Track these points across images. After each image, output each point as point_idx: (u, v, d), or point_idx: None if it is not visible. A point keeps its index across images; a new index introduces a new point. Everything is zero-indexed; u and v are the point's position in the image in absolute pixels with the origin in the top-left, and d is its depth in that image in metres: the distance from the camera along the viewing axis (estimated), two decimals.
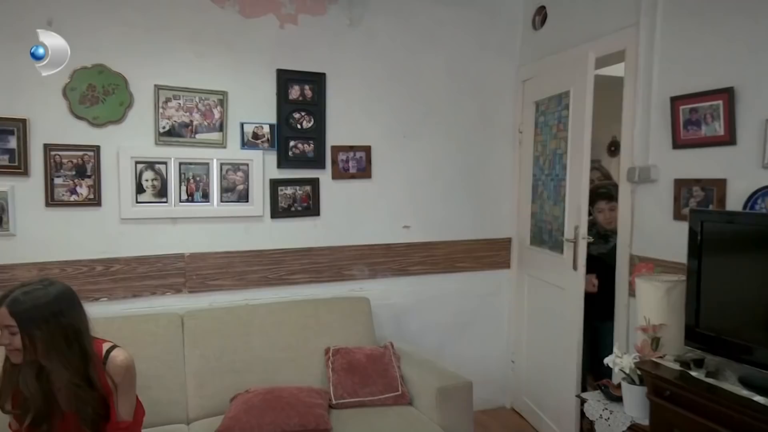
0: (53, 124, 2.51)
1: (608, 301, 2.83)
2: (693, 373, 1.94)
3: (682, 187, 2.42)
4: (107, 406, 1.74)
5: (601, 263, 2.97)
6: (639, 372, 2.17)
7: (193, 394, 2.51)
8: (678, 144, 2.44)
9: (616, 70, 2.97)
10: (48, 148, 2.50)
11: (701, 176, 2.34)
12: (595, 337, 3.07)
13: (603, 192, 3.15)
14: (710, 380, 1.88)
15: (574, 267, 2.82)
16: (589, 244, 2.84)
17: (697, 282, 2.05)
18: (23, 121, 2.44)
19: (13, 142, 2.43)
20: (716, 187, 2.28)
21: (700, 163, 2.35)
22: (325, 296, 3.02)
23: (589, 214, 3.01)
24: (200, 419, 2.46)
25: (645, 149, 2.61)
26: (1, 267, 2.45)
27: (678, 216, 2.43)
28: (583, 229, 2.82)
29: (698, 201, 2.36)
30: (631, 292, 2.63)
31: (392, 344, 2.79)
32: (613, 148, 5.63)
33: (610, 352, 2.51)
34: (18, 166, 2.45)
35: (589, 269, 2.86)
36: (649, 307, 2.27)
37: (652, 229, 2.60)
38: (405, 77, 3.23)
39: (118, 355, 1.74)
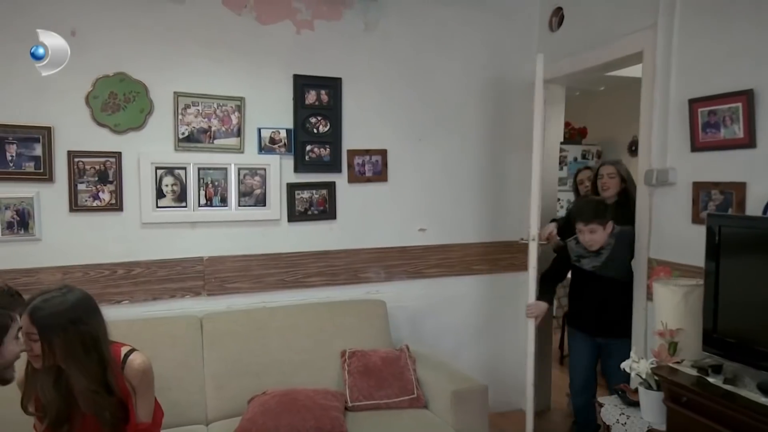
0: (76, 132, 2.58)
1: (612, 316, 2.74)
2: (710, 380, 1.92)
3: (701, 190, 2.39)
4: (126, 408, 1.78)
5: (597, 278, 2.76)
6: (656, 377, 2.15)
7: (212, 395, 2.56)
8: (696, 147, 2.42)
9: (635, 70, 2.94)
10: (72, 154, 2.57)
11: (720, 179, 2.31)
12: (600, 355, 2.89)
13: (581, 211, 2.73)
14: (728, 387, 1.86)
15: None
16: (580, 258, 2.76)
17: (715, 286, 2.02)
18: (48, 129, 2.51)
19: (38, 150, 2.50)
20: (735, 191, 2.25)
21: (719, 166, 2.32)
22: (341, 299, 3.05)
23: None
24: (219, 420, 2.50)
25: (663, 152, 2.58)
26: (27, 271, 2.52)
27: (696, 219, 2.40)
28: (534, 230, 2.93)
29: (717, 204, 2.33)
30: (649, 296, 2.60)
31: (408, 347, 2.81)
32: (634, 148, 5.57)
33: (615, 373, 2.51)
34: (43, 173, 2.52)
35: (586, 284, 2.79)
36: (667, 311, 2.25)
37: (670, 232, 2.57)
38: (420, 80, 3.24)
39: (135, 359, 1.78)
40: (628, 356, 2.57)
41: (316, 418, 2.29)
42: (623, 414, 2.31)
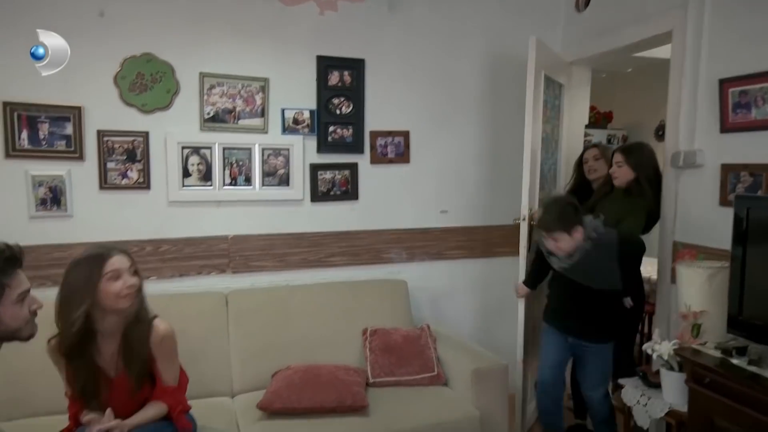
0: (105, 111, 2.63)
1: (586, 317, 2.49)
2: (734, 361, 1.90)
3: (729, 172, 2.35)
4: (152, 372, 1.90)
5: (569, 282, 2.46)
6: (678, 358, 2.14)
7: (237, 369, 2.62)
8: (726, 128, 2.37)
9: (664, 51, 2.88)
10: (101, 134, 2.63)
11: (750, 161, 2.27)
12: (575, 358, 2.70)
13: (542, 217, 2.46)
14: (753, 368, 1.84)
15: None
16: (550, 255, 2.46)
17: (741, 269, 2.00)
18: (78, 109, 2.57)
19: (69, 129, 2.56)
20: (766, 173, 2.21)
21: (749, 148, 2.28)
22: (363, 279, 3.08)
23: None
24: (243, 393, 2.57)
25: (691, 133, 2.54)
26: (59, 246, 2.60)
27: (724, 202, 2.37)
28: (524, 211, 2.87)
29: (746, 187, 2.29)
30: (673, 280, 2.58)
31: (429, 326, 2.84)
32: (661, 133, 5.47)
33: (587, 381, 2.54)
34: (74, 151, 2.58)
35: (560, 278, 2.52)
36: (690, 293, 2.23)
37: (696, 215, 2.53)
38: (444, 62, 3.23)
39: (159, 325, 1.89)
40: (605, 364, 2.55)
41: (338, 392, 2.33)
42: (644, 395, 2.30)
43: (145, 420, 1.85)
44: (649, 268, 3.93)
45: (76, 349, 1.80)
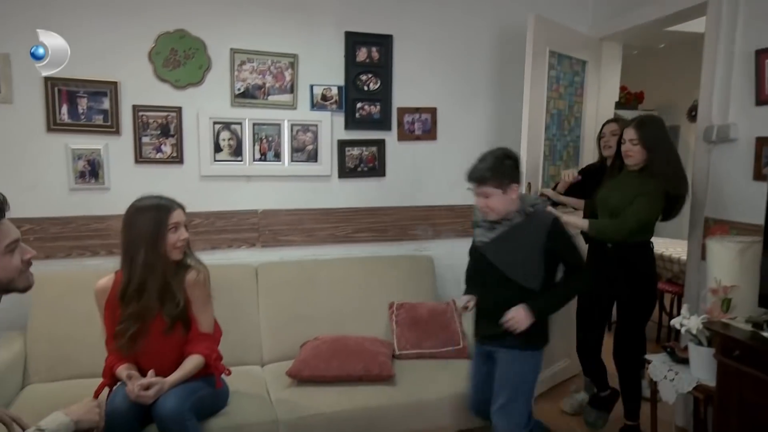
0: (140, 87, 2.70)
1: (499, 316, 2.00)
2: (765, 334, 1.88)
3: (765, 145, 2.31)
4: (188, 319, 2.02)
5: (488, 261, 2.07)
6: (707, 333, 2.13)
7: (267, 339, 2.70)
8: (762, 100, 2.32)
9: (698, 25, 2.81)
10: (136, 109, 2.70)
11: None
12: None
13: (473, 165, 2.06)
14: None
15: None
16: (477, 225, 2.16)
17: None
18: (115, 84, 2.65)
19: (106, 104, 2.64)
20: None
21: None
22: (389, 255, 3.11)
23: None
24: (273, 362, 2.64)
25: (725, 107, 2.49)
26: (98, 218, 2.69)
27: (758, 176, 2.33)
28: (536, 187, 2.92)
29: None
30: (703, 256, 2.54)
31: (454, 301, 2.86)
32: (694, 113, 5.34)
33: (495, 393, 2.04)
34: (111, 126, 2.66)
35: (478, 265, 2.17)
36: (721, 268, 2.21)
37: (729, 190, 2.49)
38: (472, 38, 3.21)
39: (194, 270, 2.05)
40: (513, 376, 2.04)
41: (365, 362, 2.38)
42: (671, 370, 2.30)
43: (185, 376, 1.95)
44: (678, 249, 3.90)
45: (134, 291, 1.92)
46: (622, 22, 3.14)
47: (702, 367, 2.17)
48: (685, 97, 5.59)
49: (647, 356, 2.46)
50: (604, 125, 3.00)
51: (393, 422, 2.28)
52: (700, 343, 2.18)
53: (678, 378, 2.25)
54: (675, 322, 2.29)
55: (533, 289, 2.01)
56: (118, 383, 1.96)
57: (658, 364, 2.36)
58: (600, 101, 3.45)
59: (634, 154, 2.42)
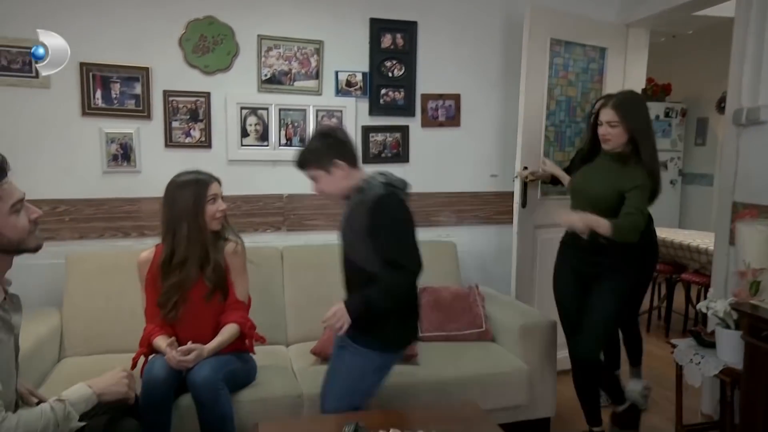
0: (171, 72, 2.77)
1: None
2: None
3: None
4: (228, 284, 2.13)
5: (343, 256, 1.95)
6: (735, 315, 2.11)
7: (291, 320, 2.74)
8: None
9: (727, 9, 2.77)
10: (167, 94, 2.77)
11: None
12: None
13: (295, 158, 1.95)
14: None
15: None
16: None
17: None
18: (146, 70, 2.72)
19: (138, 89, 2.72)
20: None
21: None
22: None
23: None
24: (297, 343, 2.68)
25: (755, 88, 2.46)
26: (129, 200, 2.77)
27: None
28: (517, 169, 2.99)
29: None
30: (731, 242, 2.51)
31: (477, 286, 2.87)
32: (723, 105, 5.24)
33: (334, 394, 1.88)
34: (142, 110, 2.74)
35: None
36: (750, 251, 2.18)
37: (759, 174, 2.46)
38: (496, 24, 3.21)
39: (232, 240, 2.17)
40: (354, 376, 1.89)
41: None
42: (697, 354, 2.28)
43: (222, 344, 2.04)
44: (706, 240, 3.84)
45: (177, 263, 2.03)
46: (650, 7, 3.11)
47: (729, 350, 2.15)
48: (714, 88, 5.49)
49: (673, 340, 2.44)
50: (596, 102, 2.81)
51: (416, 400, 2.30)
52: (727, 327, 2.16)
53: (704, 361, 2.24)
54: (702, 305, 2.28)
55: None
56: (153, 355, 2.04)
57: (684, 348, 2.34)
58: (625, 87, 3.41)
59: (612, 137, 2.21)
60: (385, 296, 1.81)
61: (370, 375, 1.91)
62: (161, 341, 1.99)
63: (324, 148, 1.85)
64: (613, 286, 2.33)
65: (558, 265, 2.56)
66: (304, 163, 1.88)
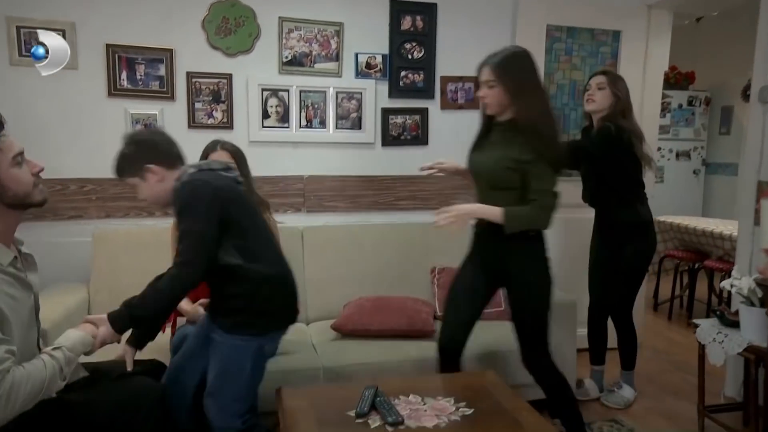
0: (194, 54, 2.81)
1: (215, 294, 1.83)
2: None
3: None
4: None
5: None
6: (760, 293, 2.08)
7: (312, 298, 2.77)
8: None
9: None
10: (190, 75, 2.82)
11: None
12: None
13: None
14: None
15: None
16: None
17: None
18: (170, 51, 2.77)
19: (162, 70, 2.77)
20: None
21: None
22: (431, 222, 3.13)
23: None
24: (318, 321, 2.72)
25: None
26: None
27: None
28: None
29: None
30: (757, 222, 2.47)
31: None
32: (749, 93, 5.14)
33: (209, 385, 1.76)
34: (166, 91, 2.79)
35: None
36: None
37: None
38: (517, 7, 3.19)
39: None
40: (227, 366, 1.75)
41: (408, 317, 2.44)
42: (720, 333, 2.25)
43: None
44: (730, 227, 3.78)
45: None
46: None
47: (753, 329, 2.13)
48: (740, 75, 5.38)
49: (694, 320, 2.42)
50: (591, 77, 2.70)
51: (433, 374, 2.31)
52: (751, 305, 2.14)
53: (727, 340, 2.21)
54: (726, 283, 2.25)
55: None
56: (180, 326, 2.09)
57: (706, 328, 2.32)
58: (647, 72, 3.37)
59: (490, 99, 1.98)
60: (167, 296, 1.69)
61: (248, 363, 1.78)
62: (186, 304, 2.04)
63: (134, 154, 1.72)
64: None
65: None
66: (119, 172, 1.75)
